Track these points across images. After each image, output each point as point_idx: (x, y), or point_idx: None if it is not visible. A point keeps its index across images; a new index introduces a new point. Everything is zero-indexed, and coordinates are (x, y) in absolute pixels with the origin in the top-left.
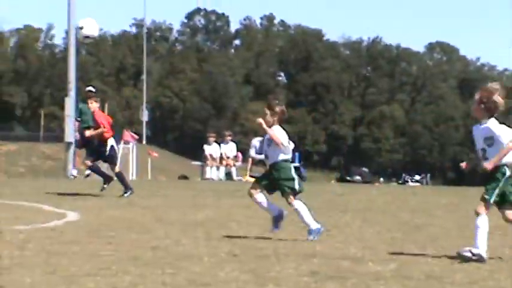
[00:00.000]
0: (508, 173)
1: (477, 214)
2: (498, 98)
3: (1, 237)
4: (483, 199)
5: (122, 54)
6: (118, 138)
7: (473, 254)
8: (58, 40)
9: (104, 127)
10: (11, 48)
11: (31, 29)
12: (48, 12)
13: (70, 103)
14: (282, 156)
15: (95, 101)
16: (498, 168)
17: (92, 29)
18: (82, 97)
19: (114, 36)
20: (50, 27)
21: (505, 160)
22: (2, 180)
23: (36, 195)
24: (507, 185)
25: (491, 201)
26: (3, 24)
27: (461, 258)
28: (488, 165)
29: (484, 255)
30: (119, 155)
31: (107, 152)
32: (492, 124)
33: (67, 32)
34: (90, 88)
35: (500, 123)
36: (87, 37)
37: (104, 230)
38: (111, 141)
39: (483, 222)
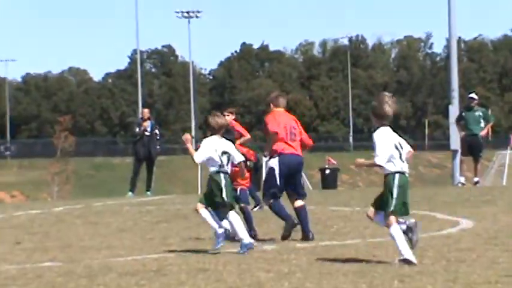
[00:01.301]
0: (396, 182)
1: (388, 226)
2: (386, 107)
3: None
4: (384, 213)
5: (504, 58)
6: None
7: (402, 260)
8: (437, 48)
9: None
10: (393, 59)
11: (411, 40)
12: (426, 21)
13: (454, 111)
14: (211, 169)
15: (230, 113)
16: (387, 177)
17: None
18: (464, 104)
19: (494, 41)
20: (428, 36)
21: (393, 169)
22: None
23: (427, 203)
24: (402, 193)
25: (391, 210)
26: (384, 36)
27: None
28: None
29: (412, 258)
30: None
31: None
32: (376, 133)
33: (448, 40)
34: (472, 95)
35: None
36: None
37: (502, 237)
38: None
39: (396, 231)
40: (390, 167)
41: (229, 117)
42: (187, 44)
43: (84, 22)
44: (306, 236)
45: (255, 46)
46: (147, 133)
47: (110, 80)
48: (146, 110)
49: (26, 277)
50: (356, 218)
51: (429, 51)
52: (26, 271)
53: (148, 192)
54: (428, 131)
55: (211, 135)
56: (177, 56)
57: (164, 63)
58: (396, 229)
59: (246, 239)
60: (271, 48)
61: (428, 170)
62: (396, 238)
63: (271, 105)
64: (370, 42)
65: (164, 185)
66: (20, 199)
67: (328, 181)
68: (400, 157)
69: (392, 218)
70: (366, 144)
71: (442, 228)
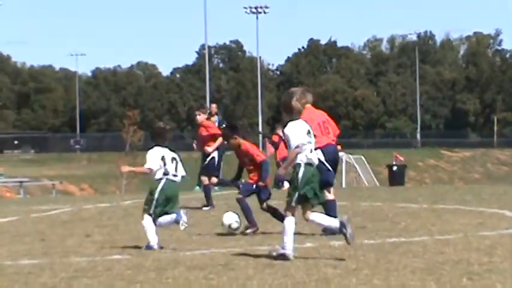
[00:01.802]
0: (301, 173)
1: (285, 216)
2: (296, 103)
3: (468, 243)
4: (286, 203)
5: None
6: None
7: (280, 254)
8: (507, 45)
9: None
10: (462, 56)
11: (481, 36)
12: (495, 17)
13: None
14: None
15: (202, 112)
16: (294, 169)
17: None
18: None
19: None
20: (498, 33)
21: (305, 160)
22: (460, 186)
23: (496, 201)
24: (306, 185)
25: (293, 204)
26: (452, 32)
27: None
28: (280, 170)
29: (291, 256)
30: None
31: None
32: (287, 126)
33: None
34: None
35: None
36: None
37: None
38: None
39: (289, 223)
40: (301, 158)
41: (200, 117)
42: (255, 40)
43: (153, 17)
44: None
45: (323, 42)
46: None
47: (178, 75)
48: (214, 105)
49: (96, 269)
50: (424, 214)
51: (498, 47)
52: (96, 264)
53: (216, 187)
54: (497, 128)
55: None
56: (244, 51)
57: (232, 58)
58: (290, 221)
59: (153, 241)
60: (339, 44)
61: (497, 167)
62: (287, 230)
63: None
64: (439, 38)
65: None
66: (89, 192)
67: (396, 178)
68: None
69: (291, 210)
70: (433, 140)
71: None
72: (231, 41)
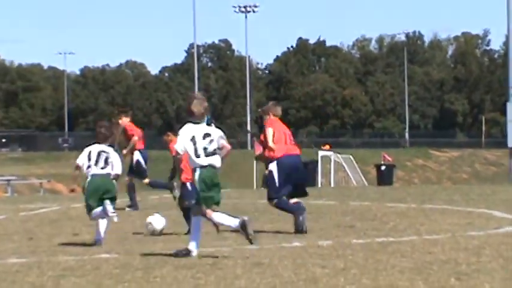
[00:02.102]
0: (197, 176)
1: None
2: (196, 107)
3: (456, 243)
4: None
5: None
6: None
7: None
8: (495, 45)
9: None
10: (450, 56)
11: (469, 36)
12: (484, 17)
13: (511, 108)
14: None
15: (125, 116)
16: (193, 172)
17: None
18: None
19: None
20: (486, 33)
21: (201, 163)
22: (448, 186)
23: (484, 201)
24: (203, 187)
25: (193, 202)
26: (440, 32)
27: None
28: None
29: (194, 252)
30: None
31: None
32: (181, 128)
33: (507, 36)
34: None
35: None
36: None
37: None
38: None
39: (196, 222)
40: (196, 161)
41: (124, 120)
42: (243, 39)
43: (142, 16)
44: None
45: (312, 41)
46: None
47: (166, 74)
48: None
49: (84, 268)
50: (412, 214)
51: (487, 47)
52: (84, 262)
53: None
54: (485, 128)
55: (97, 142)
56: (233, 51)
57: (221, 57)
58: (197, 220)
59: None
60: (328, 43)
61: (485, 167)
62: (193, 228)
63: (271, 114)
64: (427, 38)
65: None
66: (78, 191)
67: (384, 177)
68: (205, 151)
69: (194, 211)
70: (421, 140)
71: (500, 226)
72: (220, 40)
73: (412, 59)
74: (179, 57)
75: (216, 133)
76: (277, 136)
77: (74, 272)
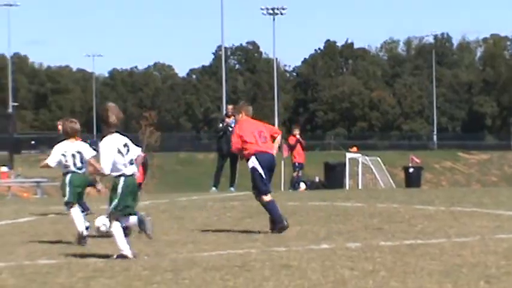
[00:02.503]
0: (121, 184)
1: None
2: (112, 117)
3: (485, 245)
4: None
5: None
6: None
7: (119, 255)
8: None
9: None
10: (479, 58)
11: (498, 38)
12: None
13: None
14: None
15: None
16: (115, 179)
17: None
18: None
19: None
20: None
21: (118, 173)
22: (477, 188)
23: None
24: (125, 195)
25: (113, 210)
26: (468, 34)
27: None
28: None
29: (129, 253)
30: None
31: None
32: (101, 142)
33: None
34: None
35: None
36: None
37: None
38: None
39: (116, 228)
40: (115, 172)
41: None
42: (271, 41)
43: (170, 18)
44: (281, 227)
45: (339, 43)
46: (230, 129)
47: (194, 76)
48: (230, 107)
49: (113, 270)
50: (441, 217)
51: None
52: (113, 264)
53: (232, 188)
54: None
55: (65, 139)
56: (261, 53)
57: (248, 59)
58: (116, 226)
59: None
60: (356, 45)
61: None
62: (116, 235)
63: (243, 113)
64: (456, 40)
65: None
66: (106, 192)
67: (412, 180)
68: (127, 161)
69: (113, 217)
70: (450, 143)
71: None
72: (247, 42)
73: (441, 61)
74: (207, 60)
75: (130, 143)
76: (248, 137)
77: (103, 274)
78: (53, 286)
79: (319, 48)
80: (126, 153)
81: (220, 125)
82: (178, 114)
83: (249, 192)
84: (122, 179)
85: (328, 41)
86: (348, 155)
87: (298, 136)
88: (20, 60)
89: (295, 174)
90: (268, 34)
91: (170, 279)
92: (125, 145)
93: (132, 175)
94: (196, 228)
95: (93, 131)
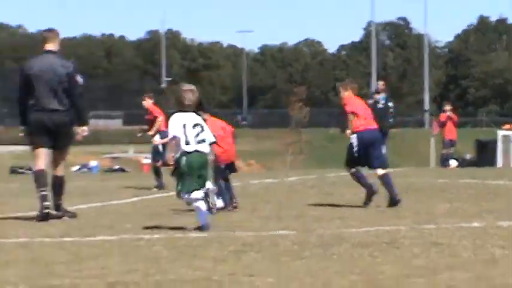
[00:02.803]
0: (183, 161)
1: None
2: (187, 95)
3: None
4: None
5: None
6: None
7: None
8: None
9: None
10: None
11: None
12: None
13: None
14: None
15: (148, 98)
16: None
17: None
18: None
19: None
20: None
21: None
22: None
23: None
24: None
25: (179, 188)
26: None
27: None
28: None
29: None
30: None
31: None
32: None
33: None
34: None
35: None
36: None
37: None
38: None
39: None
40: (177, 148)
41: (145, 102)
42: (422, 16)
43: None
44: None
45: (493, 19)
46: (379, 105)
47: (343, 52)
48: (381, 83)
49: (262, 244)
50: None
51: None
52: (262, 238)
53: None
54: None
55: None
56: (411, 29)
57: (398, 35)
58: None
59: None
60: (510, 21)
61: None
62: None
63: (349, 89)
64: None
65: (396, 158)
66: (256, 168)
67: None
68: (197, 136)
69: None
70: None
71: None
72: (398, 18)
73: None
74: (357, 36)
75: (205, 126)
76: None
77: (253, 248)
78: (205, 259)
79: (471, 24)
80: (194, 132)
81: (370, 100)
82: (328, 89)
83: (398, 169)
84: (184, 158)
85: (481, 16)
86: (500, 132)
87: (448, 113)
88: (173, 36)
89: (444, 151)
90: (419, 10)
91: (319, 254)
92: (196, 125)
93: (194, 152)
94: (344, 204)
95: (243, 106)
